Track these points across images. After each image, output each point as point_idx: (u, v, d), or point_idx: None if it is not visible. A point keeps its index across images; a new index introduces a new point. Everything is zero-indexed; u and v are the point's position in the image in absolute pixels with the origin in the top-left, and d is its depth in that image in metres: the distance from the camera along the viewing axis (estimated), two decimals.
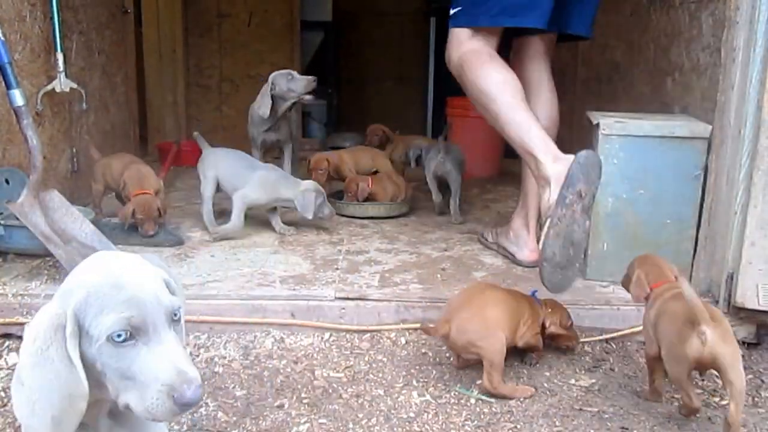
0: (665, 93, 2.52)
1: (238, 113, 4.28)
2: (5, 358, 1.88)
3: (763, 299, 1.91)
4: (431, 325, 1.70)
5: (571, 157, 1.88)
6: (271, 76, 3.08)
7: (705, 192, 2.07)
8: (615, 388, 1.75)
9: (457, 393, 1.71)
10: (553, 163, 1.92)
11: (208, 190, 2.81)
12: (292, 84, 3.05)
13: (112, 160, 2.87)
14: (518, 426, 1.57)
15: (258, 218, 2.91)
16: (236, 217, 2.72)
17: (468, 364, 1.79)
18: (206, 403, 1.65)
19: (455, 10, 2.31)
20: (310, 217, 2.71)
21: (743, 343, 1.98)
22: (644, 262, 1.74)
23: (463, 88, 2.29)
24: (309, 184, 2.79)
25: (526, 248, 2.45)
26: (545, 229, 1.85)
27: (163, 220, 2.66)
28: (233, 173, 2.80)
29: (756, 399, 1.73)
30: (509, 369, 1.81)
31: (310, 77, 3.08)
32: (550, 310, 1.82)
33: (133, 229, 2.61)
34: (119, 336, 0.96)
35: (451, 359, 1.86)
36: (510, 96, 2.11)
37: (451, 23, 2.33)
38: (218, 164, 2.83)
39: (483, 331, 1.64)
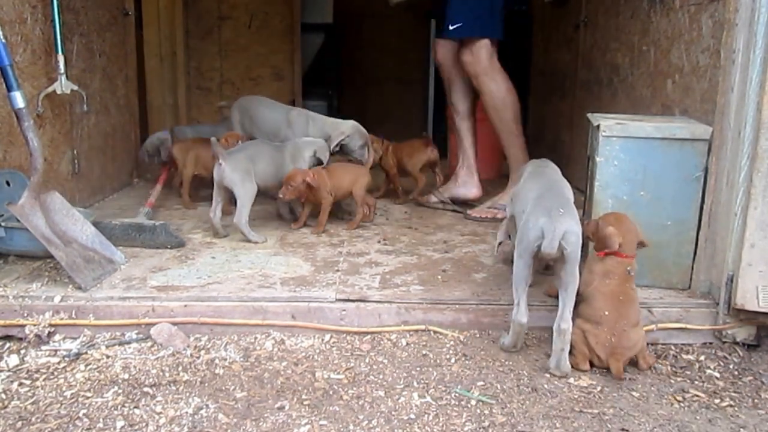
0: (665, 95, 2.52)
1: None
2: (6, 360, 1.88)
3: (763, 301, 1.91)
4: None
5: None
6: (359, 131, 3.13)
7: (705, 194, 2.07)
8: (615, 390, 1.75)
9: (457, 395, 1.71)
10: None
11: (250, 194, 2.67)
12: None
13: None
14: (518, 427, 1.57)
15: (259, 219, 2.91)
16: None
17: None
18: (207, 405, 1.65)
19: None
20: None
21: (743, 344, 1.98)
22: None
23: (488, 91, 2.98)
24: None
25: (474, 188, 3.31)
26: None
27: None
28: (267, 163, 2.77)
29: (756, 401, 1.73)
30: (515, 380, 1.81)
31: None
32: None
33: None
34: None
35: (452, 360, 1.87)
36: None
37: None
38: (254, 159, 2.72)
39: None
